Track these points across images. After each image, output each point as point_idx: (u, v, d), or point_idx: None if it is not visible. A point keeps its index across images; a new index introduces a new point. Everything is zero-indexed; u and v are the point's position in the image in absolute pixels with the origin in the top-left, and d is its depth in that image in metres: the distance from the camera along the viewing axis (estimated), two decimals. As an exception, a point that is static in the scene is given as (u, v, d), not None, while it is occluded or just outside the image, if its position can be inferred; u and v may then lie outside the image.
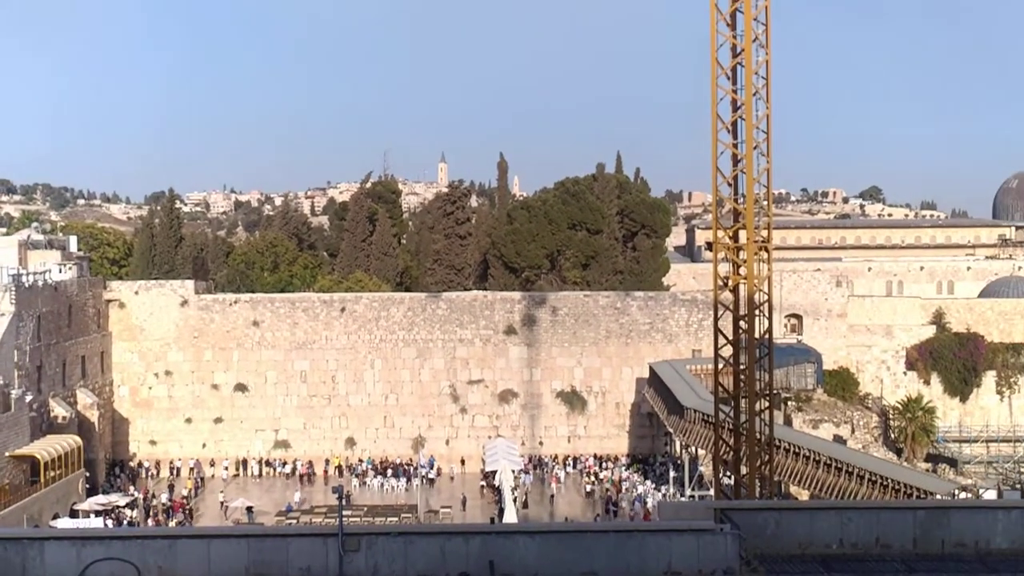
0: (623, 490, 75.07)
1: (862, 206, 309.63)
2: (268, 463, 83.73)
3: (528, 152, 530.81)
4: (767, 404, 43.78)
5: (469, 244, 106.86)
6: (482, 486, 77.08)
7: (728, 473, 47.96)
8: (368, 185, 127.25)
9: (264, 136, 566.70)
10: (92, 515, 64.53)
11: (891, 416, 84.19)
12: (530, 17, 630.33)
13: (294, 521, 63.45)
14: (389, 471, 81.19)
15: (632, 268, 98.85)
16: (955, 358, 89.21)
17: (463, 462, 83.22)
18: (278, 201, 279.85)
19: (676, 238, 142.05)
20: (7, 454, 61.84)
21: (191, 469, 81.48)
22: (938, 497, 42.88)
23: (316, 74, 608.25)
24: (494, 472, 73.77)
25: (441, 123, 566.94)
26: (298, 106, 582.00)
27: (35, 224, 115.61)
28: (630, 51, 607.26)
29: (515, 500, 67.45)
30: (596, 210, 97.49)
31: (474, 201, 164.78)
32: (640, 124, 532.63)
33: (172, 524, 66.18)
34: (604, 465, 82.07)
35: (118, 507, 67.33)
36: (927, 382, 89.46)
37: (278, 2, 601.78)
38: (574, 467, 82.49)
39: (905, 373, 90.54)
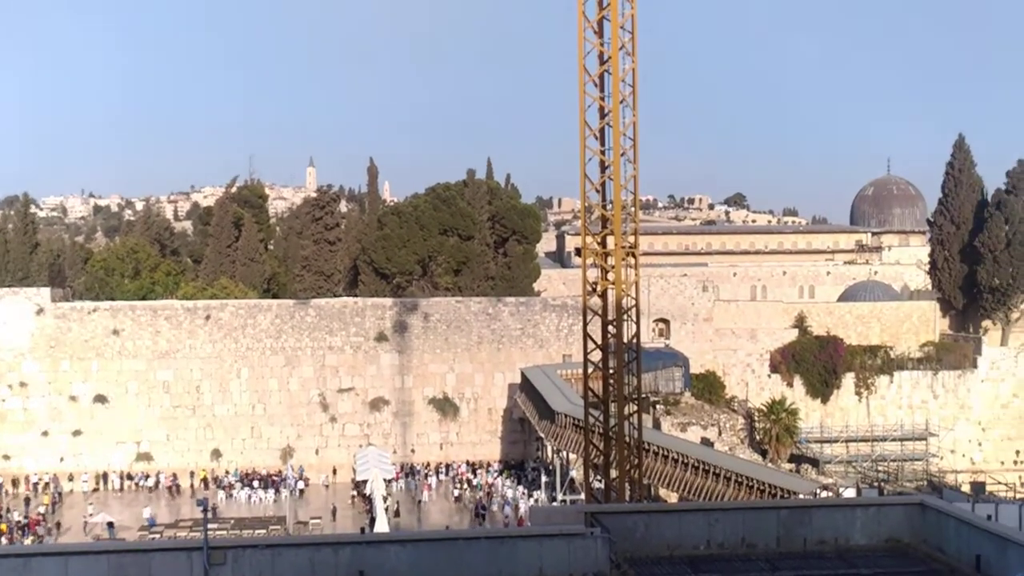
0: (494, 496, 75.37)
1: (727, 212, 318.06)
2: (130, 476, 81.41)
3: (398, 157, 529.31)
4: (636, 408, 44.55)
5: (339, 250, 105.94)
6: (353, 496, 76.40)
7: (599, 477, 48.61)
8: (234, 189, 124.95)
9: (124, 138, 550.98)
10: (-61, 535, 61.74)
11: (756, 418, 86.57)
12: (399, 20, 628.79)
13: (157, 536, 61.80)
14: (256, 482, 79.81)
15: (503, 274, 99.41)
16: (816, 360, 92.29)
17: (334, 472, 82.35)
18: (139, 206, 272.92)
19: (547, 244, 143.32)
20: None
21: (47, 484, 78.65)
22: (800, 496, 44.31)
23: (180, 73, 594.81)
24: (365, 481, 73.22)
25: (309, 127, 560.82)
26: (161, 107, 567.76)
27: None
28: (500, 57, 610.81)
29: (386, 509, 67.03)
30: (467, 216, 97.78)
31: (343, 206, 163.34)
32: (510, 130, 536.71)
33: (27, 542, 63.70)
34: (476, 472, 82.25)
35: (-32, 526, 64.51)
36: (790, 384, 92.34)
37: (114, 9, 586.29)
38: (446, 474, 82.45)
39: (769, 376, 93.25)
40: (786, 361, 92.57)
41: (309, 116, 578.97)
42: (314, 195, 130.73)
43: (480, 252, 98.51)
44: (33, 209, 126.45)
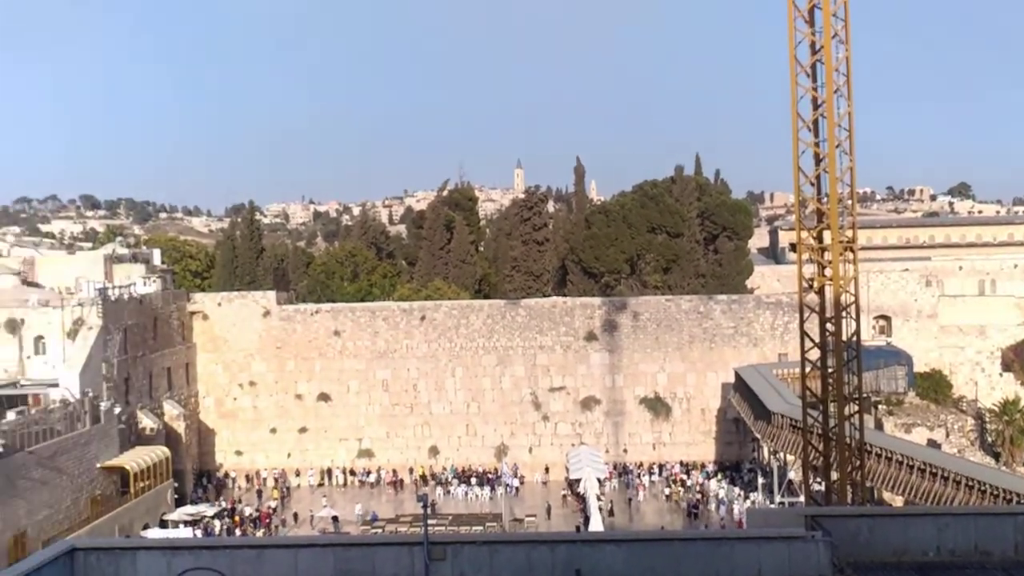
0: (710, 498, 74.40)
1: (951, 203, 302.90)
2: (352, 472, 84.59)
3: (605, 156, 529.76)
4: (857, 408, 43.08)
5: (547, 250, 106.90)
6: (565, 494, 76.97)
7: (818, 479, 47.27)
8: (445, 193, 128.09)
9: (341, 146, 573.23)
10: (181, 525, 65.89)
11: (987, 419, 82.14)
12: (606, 19, 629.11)
13: (379, 530, 64.02)
14: (473, 479, 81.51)
15: (714, 271, 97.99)
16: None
17: (547, 470, 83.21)
18: (356, 211, 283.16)
19: (759, 240, 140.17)
20: (98, 465, 63.41)
21: (276, 479, 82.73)
22: (1039, 502, 41.77)
23: (393, 82, 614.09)
24: (578, 480, 73.62)
25: (516, 129, 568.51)
26: (375, 115, 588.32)
27: (119, 238, 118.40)
28: (708, 51, 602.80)
29: (600, 508, 67.25)
30: (676, 213, 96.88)
31: (551, 206, 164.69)
32: (719, 125, 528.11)
33: (259, 534, 67.25)
34: (690, 472, 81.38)
35: (206, 517, 68.61)
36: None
37: (353, 11, 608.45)
38: (659, 474, 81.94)
39: (1001, 374, 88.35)
40: (1019, 359, 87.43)
41: (516, 118, 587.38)
42: (522, 196, 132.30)
43: (690, 249, 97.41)
44: (258, 216, 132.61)
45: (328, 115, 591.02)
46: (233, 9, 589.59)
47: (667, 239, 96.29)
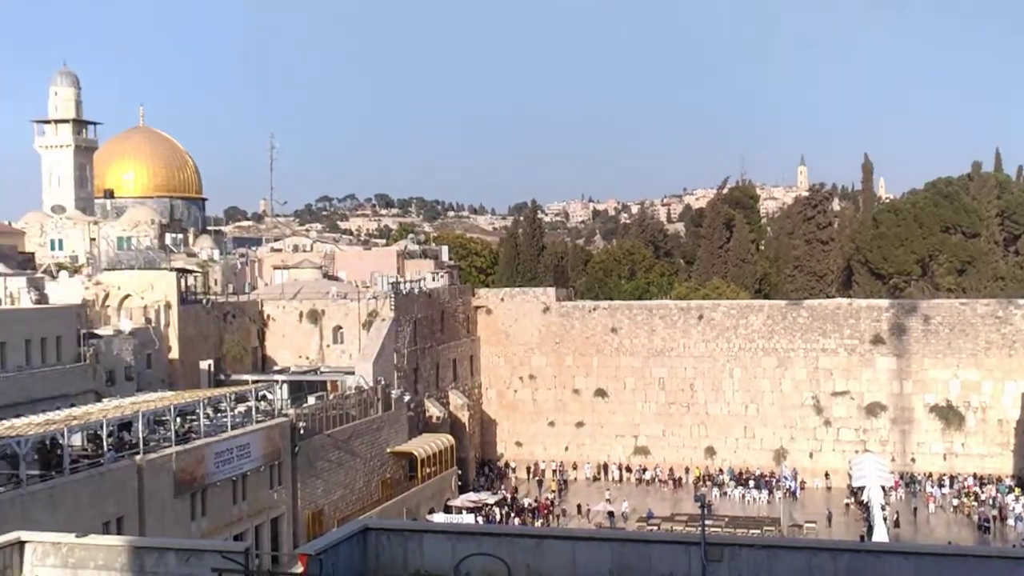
0: (1008, 513, 69.72)
1: None
2: (628, 468, 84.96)
3: (894, 152, 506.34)
4: None
5: (831, 249, 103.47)
6: (847, 503, 74.23)
7: None
8: (725, 191, 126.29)
9: (620, 144, 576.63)
10: (464, 511, 68.29)
11: None
12: (894, 3, 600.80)
13: (655, 528, 64.00)
14: (751, 482, 80.00)
15: (1015, 274, 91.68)
16: None
17: (827, 476, 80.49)
18: (634, 209, 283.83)
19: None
20: (388, 450, 66.73)
21: (554, 471, 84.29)
22: None
23: (672, 79, 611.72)
24: (862, 488, 70.83)
25: (800, 125, 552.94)
26: (654, 113, 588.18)
27: (411, 236, 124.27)
28: (1009, 32, 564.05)
29: (885, 518, 64.43)
30: (972, 212, 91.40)
31: (836, 204, 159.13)
32: (1021, 117, 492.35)
33: (537, 524, 68.72)
34: (984, 486, 76.50)
35: (488, 505, 70.76)
36: None
37: (630, 10, 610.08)
38: (950, 486, 77.47)
39: None
40: None
41: (799, 114, 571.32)
42: (805, 194, 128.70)
43: (987, 251, 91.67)
44: (539, 215, 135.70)
45: (606, 114, 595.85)
46: (508, 6, 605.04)
47: (962, 239, 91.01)
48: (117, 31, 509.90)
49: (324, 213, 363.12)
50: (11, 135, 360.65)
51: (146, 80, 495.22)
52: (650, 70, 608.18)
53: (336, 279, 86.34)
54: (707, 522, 30.42)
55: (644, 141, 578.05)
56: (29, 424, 42.82)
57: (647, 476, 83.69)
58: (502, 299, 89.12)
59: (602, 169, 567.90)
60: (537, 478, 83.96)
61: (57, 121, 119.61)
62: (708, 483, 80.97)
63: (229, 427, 51.20)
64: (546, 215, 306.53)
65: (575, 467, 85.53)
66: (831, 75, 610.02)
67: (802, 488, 79.23)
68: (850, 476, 75.63)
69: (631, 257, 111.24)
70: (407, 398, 70.56)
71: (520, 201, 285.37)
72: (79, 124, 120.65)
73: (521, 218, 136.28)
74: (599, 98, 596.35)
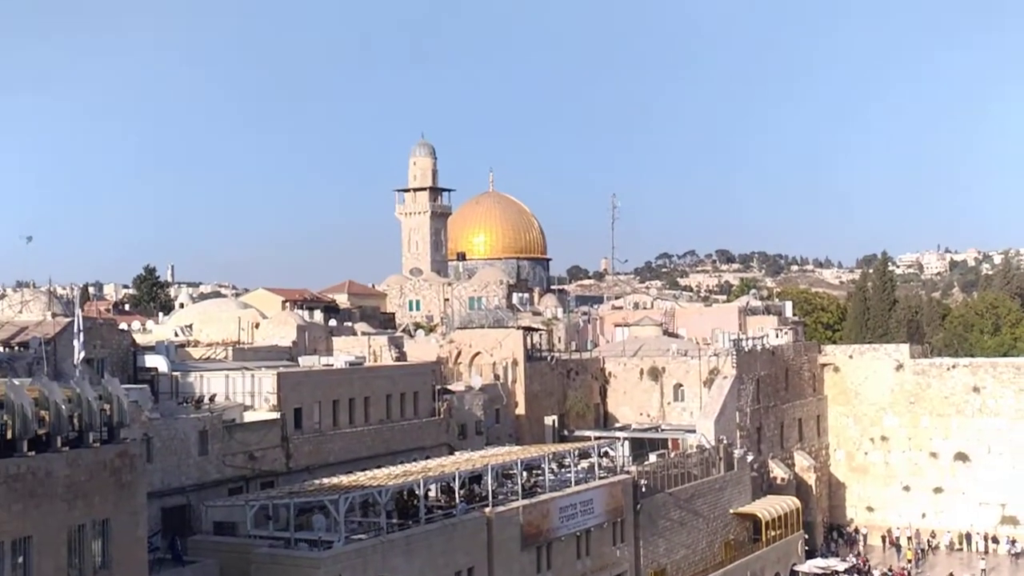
0: None
1: None
2: (995, 539, 78.63)
3: None
4: None
5: None
6: None
7: None
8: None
9: (979, 190, 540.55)
10: (811, 578, 65.81)
11: None
12: None
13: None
14: None
15: None
16: None
17: None
18: (997, 259, 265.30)
19: None
20: (731, 511, 65.51)
21: (909, 539, 79.50)
22: None
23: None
24: None
25: None
26: (1017, 153, 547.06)
27: (752, 291, 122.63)
28: None
29: None
30: None
31: None
32: None
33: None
34: None
35: (837, 572, 67.80)
36: None
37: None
38: None
39: None
40: None
41: None
42: None
43: None
44: (890, 267, 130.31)
45: (963, 157, 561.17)
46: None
47: None
48: (466, 97, 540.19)
49: (664, 270, 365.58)
50: (374, 204, 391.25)
51: (495, 143, 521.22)
52: (1009, 108, 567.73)
53: (676, 336, 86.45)
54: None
55: (1006, 184, 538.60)
56: (389, 475, 45.57)
57: (1017, 548, 77.01)
58: (851, 356, 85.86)
59: (960, 217, 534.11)
60: (892, 546, 79.50)
61: (416, 189, 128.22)
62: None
63: (573, 482, 52.19)
64: (898, 267, 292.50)
65: (933, 535, 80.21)
66: None
67: None
68: None
69: (995, 311, 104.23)
70: (750, 458, 69.17)
71: (869, 253, 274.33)
72: (435, 192, 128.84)
73: (870, 270, 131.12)
74: (956, 141, 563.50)
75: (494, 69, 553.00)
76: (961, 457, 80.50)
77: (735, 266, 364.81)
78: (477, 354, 69.39)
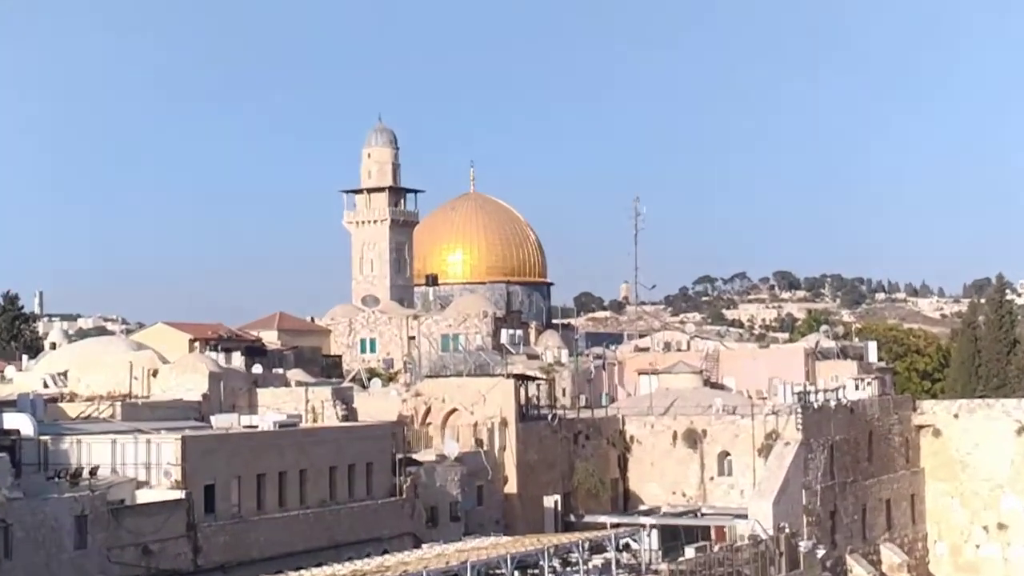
0: None
1: None
2: None
3: None
4: None
5: None
6: None
7: None
8: None
9: None
10: None
11: None
12: None
13: None
14: None
15: None
16: None
17: None
18: None
19: None
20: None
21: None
22: None
23: None
24: None
25: None
26: None
27: (824, 327, 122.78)
28: None
29: None
30: None
31: None
32: None
33: None
34: None
35: None
36: None
37: None
38: None
39: None
40: None
41: None
42: None
43: None
44: (1009, 296, 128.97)
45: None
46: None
47: None
48: (437, 66, 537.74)
49: (704, 299, 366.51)
50: (315, 209, 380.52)
51: (477, 129, 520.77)
52: None
53: (722, 387, 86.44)
54: None
55: None
56: (333, 576, 45.29)
57: None
58: (956, 415, 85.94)
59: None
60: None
61: (370, 190, 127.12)
62: None
63: (582, 586, 51.95)
64: (1019, 295, 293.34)
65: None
66: None
67: None
68: None
69: None
70: (821, 553, 68.99)
71: (980, 277, 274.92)
72: (396, 193, 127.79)
73: (982, 300, 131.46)
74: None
75: (475, 28, 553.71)
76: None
77: (800, 294, 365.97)
78: (453, 411, 69.15)
